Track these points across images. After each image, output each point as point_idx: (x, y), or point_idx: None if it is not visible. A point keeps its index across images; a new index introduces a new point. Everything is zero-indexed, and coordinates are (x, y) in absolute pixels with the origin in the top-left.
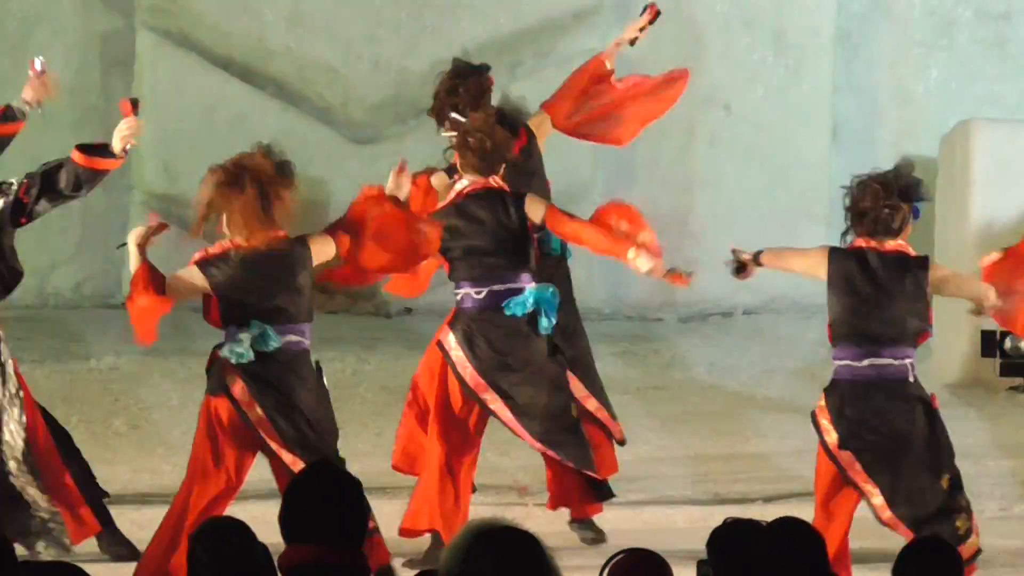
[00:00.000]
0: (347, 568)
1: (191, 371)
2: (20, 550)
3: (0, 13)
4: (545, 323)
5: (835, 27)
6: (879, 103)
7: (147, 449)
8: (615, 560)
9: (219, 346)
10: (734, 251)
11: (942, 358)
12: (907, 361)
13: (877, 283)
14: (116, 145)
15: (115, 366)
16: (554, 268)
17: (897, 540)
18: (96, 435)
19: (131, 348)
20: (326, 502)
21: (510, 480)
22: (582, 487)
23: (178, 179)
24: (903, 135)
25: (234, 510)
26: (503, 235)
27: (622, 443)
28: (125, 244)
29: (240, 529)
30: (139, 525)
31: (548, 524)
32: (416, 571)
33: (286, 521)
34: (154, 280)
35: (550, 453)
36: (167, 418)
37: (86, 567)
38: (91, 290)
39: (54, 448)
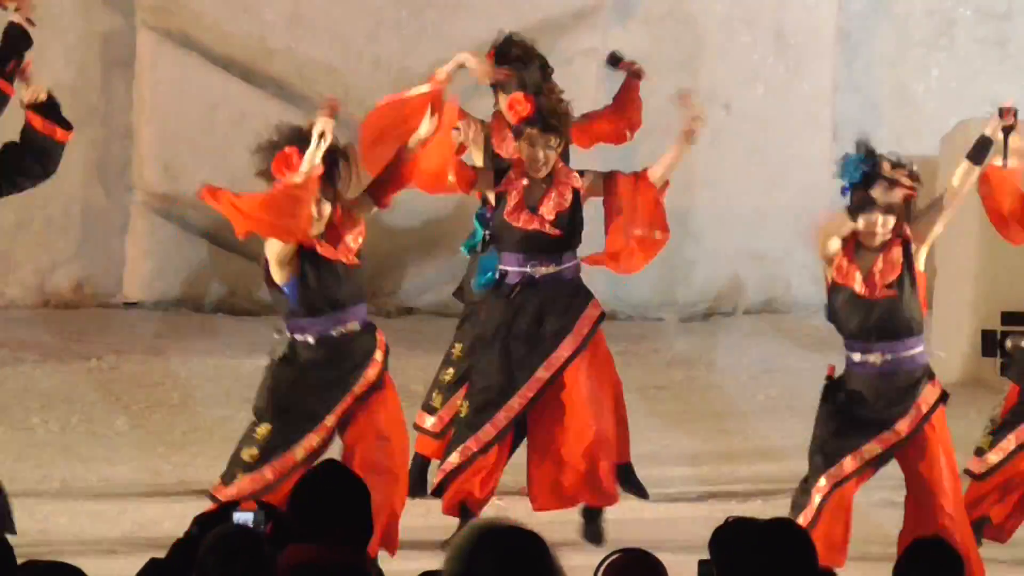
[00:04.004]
0: (349, 568)
1: (191, 371)
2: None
3: (0, 13)
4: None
5: (835, 27)
6: (879, 103)
7: (147, 449)
8: (609, 560)
9: None
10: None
11: (942, 358)
12: None
13: None
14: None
15: (115, 366)
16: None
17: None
18: (96, 435)
19: (131, 348)
20: (331, 502)
21: (511, 480)
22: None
23: (178, 179)
24: (903, 135)
25: None
26: None
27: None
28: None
29: (253, 539)
30: (140, 525)
31: (549, 522)
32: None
33: (290, 520)
34: None
35: None
36: (167, 418)
37: (85, 567)
38: (91, 290)
39: None
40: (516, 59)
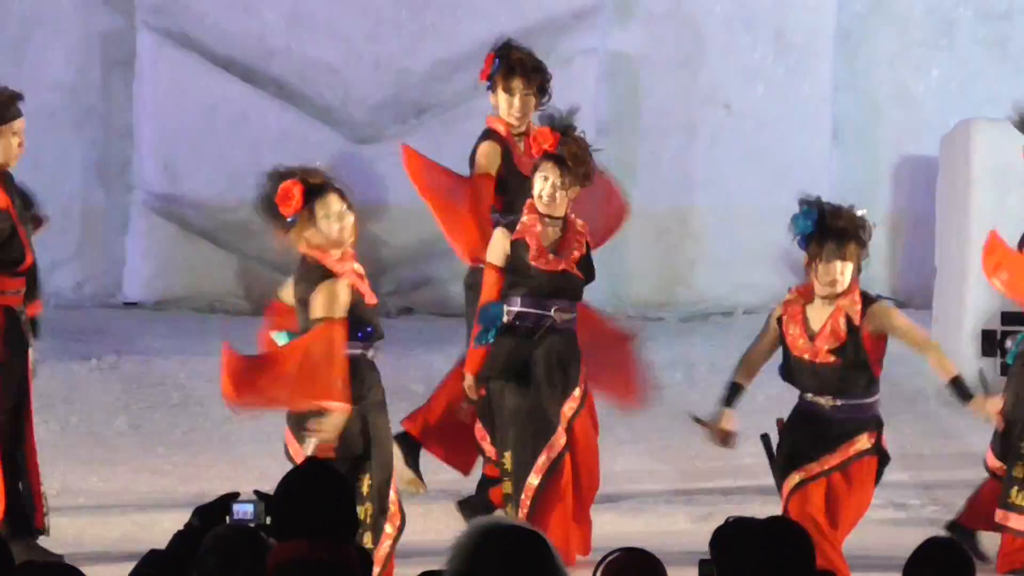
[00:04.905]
0: (337, 565)
1: (191, 371)
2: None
3: (0, 13)
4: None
5: (835, 27)
6: (879, 103)
7: (147, 449)
8: (609, 559)
9: None
10: None
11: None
12: None
13: None
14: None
15: (115, 366)
16: None
17: (903, 542)
18: (96, 435)
19: (131, 348)
20: (315, 499)
21: None
22: None
23: (178, 179)
24: (903, 135)
25: None
26: None
27: None
28: None
29: (253, 539)
30: (140, 525)
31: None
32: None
33: (276, 518)
34: None
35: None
36: (167, 418)
37: (85, 568)
38: (91, 290)
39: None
40: (517, 63)
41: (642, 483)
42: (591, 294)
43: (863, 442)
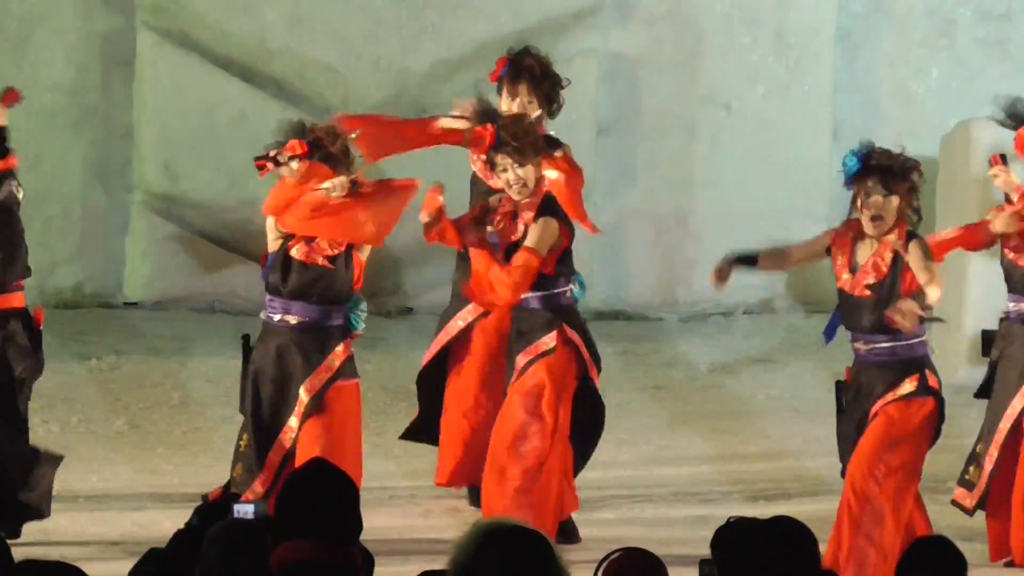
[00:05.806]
0: (339, 566)
1: (191, 371)
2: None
3: (0, 13)
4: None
5: (835, 27)
6: (879, 103)
7: (147, 449)
8: (610, 559)
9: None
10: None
11: (942, 358)
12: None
13: None
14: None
15: (115, 366)
16: None
17: None
18: (96, 435)
19: (131, 348)
20: (320, 500)
21: None
22: None
23: (178, 179)
24: (903, 135)
25: None
26: None
27: None
28: None
29: (256, 533)
30: (140, 525)
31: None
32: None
33: (279, 518)
34: None
35: None
36: (167, 418)
37: (85, 567)
38: (91, 290)
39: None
40: (526, 68)
41: (642, 483)
42: (591, 294)
43: (905, 387)
